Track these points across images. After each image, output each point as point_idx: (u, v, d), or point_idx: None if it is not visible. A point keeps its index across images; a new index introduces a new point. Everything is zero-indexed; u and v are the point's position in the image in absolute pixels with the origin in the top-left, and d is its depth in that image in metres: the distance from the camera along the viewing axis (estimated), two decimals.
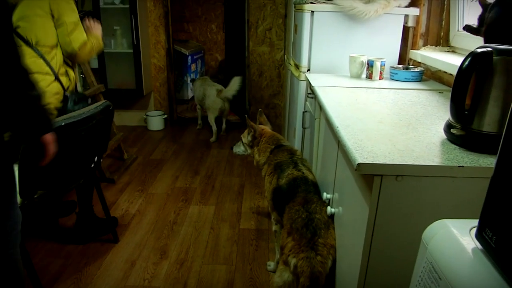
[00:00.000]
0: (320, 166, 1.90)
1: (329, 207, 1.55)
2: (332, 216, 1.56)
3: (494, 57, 1.05)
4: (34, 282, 1.82)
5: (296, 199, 1.65)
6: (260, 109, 2.40)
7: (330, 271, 1.48)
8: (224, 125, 4.46)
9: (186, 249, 2.36)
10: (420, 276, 0.75)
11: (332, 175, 1.54)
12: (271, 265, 2.17)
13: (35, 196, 1.78)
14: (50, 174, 1.79)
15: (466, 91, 1.09)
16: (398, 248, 1.10)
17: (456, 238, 0.71)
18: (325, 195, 1.62)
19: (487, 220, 0.66)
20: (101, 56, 4.05)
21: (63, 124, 1.71)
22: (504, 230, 0.61)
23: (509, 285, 0.59)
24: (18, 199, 1.55)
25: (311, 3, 2.34)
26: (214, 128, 4.25)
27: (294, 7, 2.80)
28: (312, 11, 2.33)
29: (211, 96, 4.21)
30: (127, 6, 3.95)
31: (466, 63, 1.07)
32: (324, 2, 2.36)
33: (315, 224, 1.52)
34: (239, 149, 2.29)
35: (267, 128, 2.18)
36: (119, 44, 4.21)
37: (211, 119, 4.25)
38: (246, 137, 2.22)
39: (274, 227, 2.01)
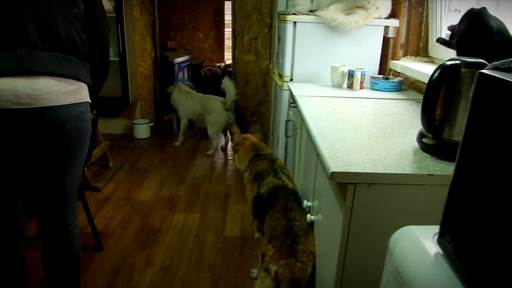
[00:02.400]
0: (302, 174, 1.93)
1: (309, 215, 1.58)
2: (312, 223, 1.59)
3: (462, 69, 1.10)
4: None
5: (276, 207, 1.68)
6: (254, 118, 2.43)
7: (310, 277, 1.51)
8: (228, 137, 4.09)
9: (170, 257, 2.36)
10: (386, 280, 0.78)
11: (312, 183, 1.57)
12: (254, 272, 2.18)
13: None
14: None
15: (436, 102, 1.13)
16: (372, 254, 1.13)
17: (419, 243, 0.74)
18: (305, 203, 1.64)
19: (446, 226, 0.70)
20: None
21: None
22: (461, 236, 0.65)
23: None
24: None
25: (294, 14, 2.39)
26: (217, 142, 4.07)
27: (278, 18, 2.85)
28: (295, 22, 2.38)
29: (217, 109, 3.95)
30: (114, 14, 3.97)
31: (436, 75, 1.11)
32: (307, 14, 2.42)
33: (295, 231, 1.55)
34: None
35: (251, 137, 2.20)
36: None
37: (214, 134, 4.03)
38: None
39: (256, 235, 2.03)
